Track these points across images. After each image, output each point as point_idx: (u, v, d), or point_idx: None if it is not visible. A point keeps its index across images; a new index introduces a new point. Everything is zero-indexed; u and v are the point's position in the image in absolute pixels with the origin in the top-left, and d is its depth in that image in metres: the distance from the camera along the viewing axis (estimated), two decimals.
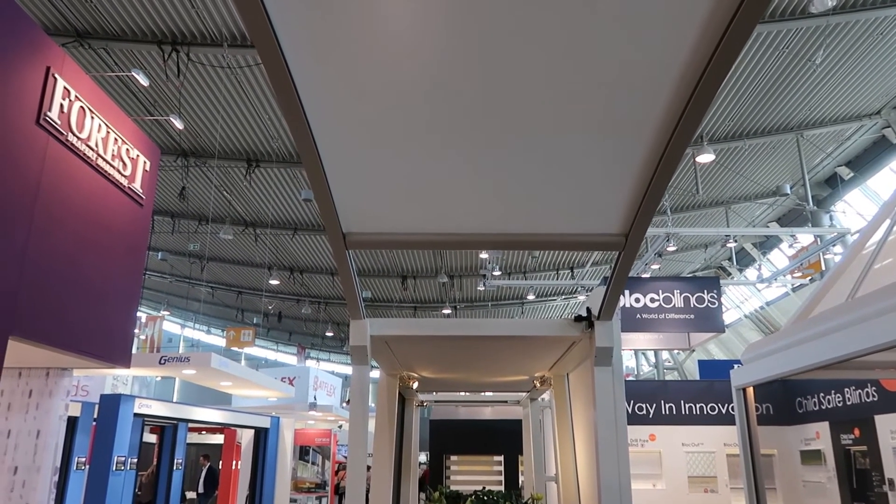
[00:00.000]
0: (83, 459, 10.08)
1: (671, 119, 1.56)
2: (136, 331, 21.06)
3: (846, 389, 7.55)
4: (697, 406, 8.94)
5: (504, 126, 1.67)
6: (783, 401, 8.75)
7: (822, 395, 8.02)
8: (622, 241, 2.13)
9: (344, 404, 21.97)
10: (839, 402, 7.68)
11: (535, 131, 1.69)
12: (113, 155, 5.15)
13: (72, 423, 9.74)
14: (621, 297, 10.97)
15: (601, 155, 1.78)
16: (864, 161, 16.95)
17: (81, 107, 4.73)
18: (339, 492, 17.84)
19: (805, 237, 17.14)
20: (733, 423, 4.80)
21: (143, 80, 11.94)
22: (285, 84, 1.40)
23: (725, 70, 1.34)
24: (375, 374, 4.27)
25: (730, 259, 22.31)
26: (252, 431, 15.01)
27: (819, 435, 8.04)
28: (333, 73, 1.47)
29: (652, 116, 1.57)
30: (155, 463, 12.98)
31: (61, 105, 4.49)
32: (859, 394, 7.32)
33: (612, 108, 1.58)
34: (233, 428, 14.69)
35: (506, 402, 6.28)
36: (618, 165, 1.80)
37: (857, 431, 7.36)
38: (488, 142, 1.74)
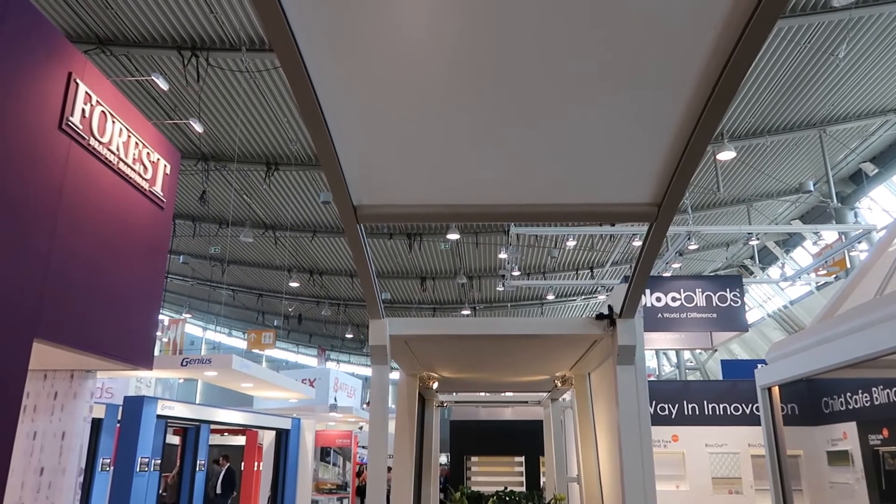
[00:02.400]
0: (108, 461, 10.20)
1: (712, 73, 1.41)
2: (159, 333, 21.30)
3: (874, 389, 7.41)
4: (721, 406, 8.83)
5: (526, 88, 1.52)
6: (809, 401, 8.61)
7: (849, 394, 7.88)
8: (654, 212, 1.95)
9: (364, 406, 22.03)
10: (867, 401, 7.54)
11: (559, 92, 1.54)
12: (134, 159, 5.20)
13: (96, 424, 9.86)
14: (642, 296, 10.91)
15: (633, 117, 1.62)
16: (888, 157, 16.65)
17: (103, 111, 4.78)
18: (360, 493, 17.89)
19: (829, 234, 16.89)
20: (757, 424, 4.74)
21: (162, 85, 12.08)
22: (285, 37, 1.29)
23: (776, 13, 1.22)
24: (395, 375, 4.27)
25: (752, 257, 22.03)
26: (273, 433, 15.10)
27: (846, 435, 7.89)
28: (340, 28, 1.35)
29: (689, 71, 1.42)
30: (179, 464, 13.11)
31: (83, 110, 4.54)
32: (888, 393, 7.17)
33: (645, 62, 1.43)
34: (254, 429, 14.79)
35: (526, 402, 6.24)
36: (651, 128, 1.64)
37: (885, 432, 7.22)
38: (510, 105, 1.59)
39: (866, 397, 7.55)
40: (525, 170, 1.88)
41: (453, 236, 19.34)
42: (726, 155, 14.00)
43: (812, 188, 17.09)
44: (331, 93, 1.50)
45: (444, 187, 1.98)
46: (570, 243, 19.82)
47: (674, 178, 1.79)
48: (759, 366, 4.82)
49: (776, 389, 4.58)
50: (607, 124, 1.66)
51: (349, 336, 33.67)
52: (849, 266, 16.19)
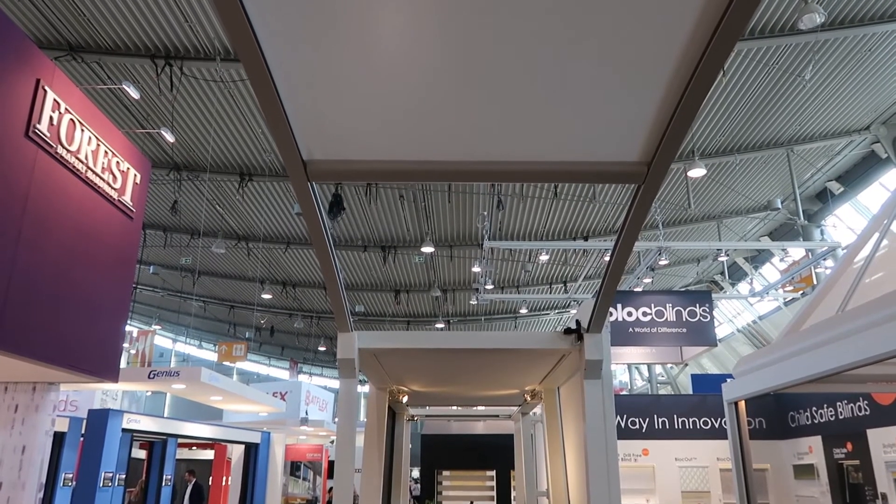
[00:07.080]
0: (70, 475, 9.95)
1: (713, 15, 1.24)
2: (127, 345, 20.92)
3: (838, 403, 7.55)
4: (690, 420, 8.93)
5: (505, 29, 1.33)
6: (776, 415, 8.74)
7: (814, 409, 8.02)
8: (643, 172, 1.72)
9: (336, 419, 21.81)
10: (831, 416, 7.68)
11: (539, 34, 1.34)
12: (103, 168, 5.13)
13: (59, 438, 9.63)
14: (613, 310, 10.98)
15: (622, 60, 1.42)
16: (853, 176, 17.09)
17: (71, 119, 4.72)
18: None
19: (796, 251, 17.22)
20: (726, 438, 4.78)
21: (133, 93, 11.95)
22: None
23: None
24: (367, 389, 4.24)
25: (722, 273, 22.37)
26: (242, 447, 14.89)
27: (812, 449, 8.02)
28: None
29: (688, 12, 1.25)
30: (143, 479, 12.84)
31: (51, 117, 4.47)
32: (851, 408, 7.31)
33: (638, 2, 1.25)
34: (223, 443, 14.56)
35: (497, 416, 6.24)
36: (642, 77, 1.45)
37: (849, 445, 7.35)
38: (487, 48, 1.38)
39: (831, 412, 7.69)
40: (502, 122, 1.65)
41: (428, 249, 19.33)
42: (697, 172, 14.23)
43: (780, 206, 17.46)
44: (271, 23, 1.28)
45: (407, 141, 1.72)
46: (544, 257, 19.95)
47: (666, 133, 1.57)
48: (727, 380, 4.88)
49: (742, 404, 4.63)
50: (592, 71, 1.46)
51: (322, 349, 33.39)
52: (815, 282, 16.52)
